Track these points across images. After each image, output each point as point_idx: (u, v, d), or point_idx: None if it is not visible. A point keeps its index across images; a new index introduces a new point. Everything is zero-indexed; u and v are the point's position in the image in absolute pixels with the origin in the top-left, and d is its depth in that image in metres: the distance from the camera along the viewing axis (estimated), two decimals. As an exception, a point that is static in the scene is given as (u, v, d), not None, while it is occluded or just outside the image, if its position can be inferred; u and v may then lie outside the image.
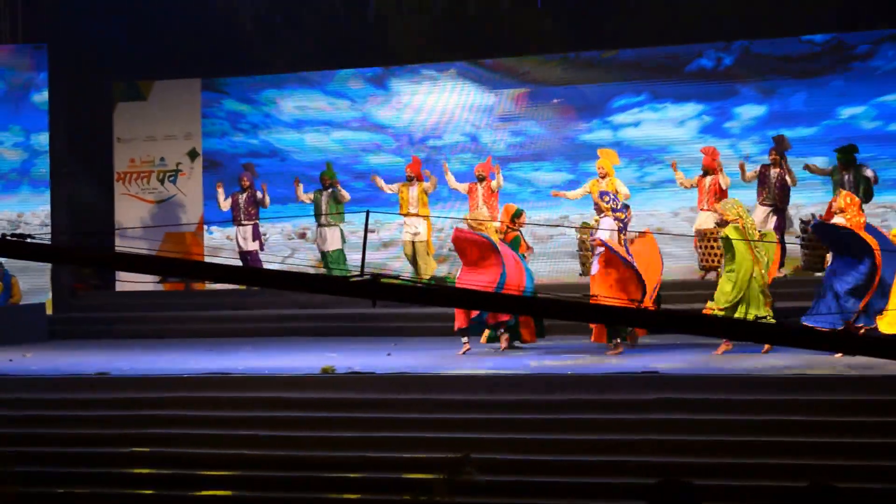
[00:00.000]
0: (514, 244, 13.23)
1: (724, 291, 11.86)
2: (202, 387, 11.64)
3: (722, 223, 12.13)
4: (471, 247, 12.86)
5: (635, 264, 12.20)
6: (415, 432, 10.48)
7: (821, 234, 12.14)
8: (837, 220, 11.84)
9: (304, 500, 9.99)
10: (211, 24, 17.79)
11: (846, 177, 14.97)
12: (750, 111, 17.42)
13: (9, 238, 4.82)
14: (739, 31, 17.33)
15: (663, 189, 17.40)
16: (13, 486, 9.38)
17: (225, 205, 17.08)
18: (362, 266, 4.86)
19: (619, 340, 12.45)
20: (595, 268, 12.45)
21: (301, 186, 16.90)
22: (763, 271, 11.90)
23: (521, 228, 13.64)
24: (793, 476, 9.08)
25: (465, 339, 12.92)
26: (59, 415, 11.60)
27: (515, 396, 10.70)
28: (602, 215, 12.54)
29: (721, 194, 15.32)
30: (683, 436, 9.91)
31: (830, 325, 11.45)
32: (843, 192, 12.30)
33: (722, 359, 11.74)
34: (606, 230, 12.33)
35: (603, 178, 15.47)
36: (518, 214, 13.68)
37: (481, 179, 15.90)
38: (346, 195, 16.75)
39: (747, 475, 9.38)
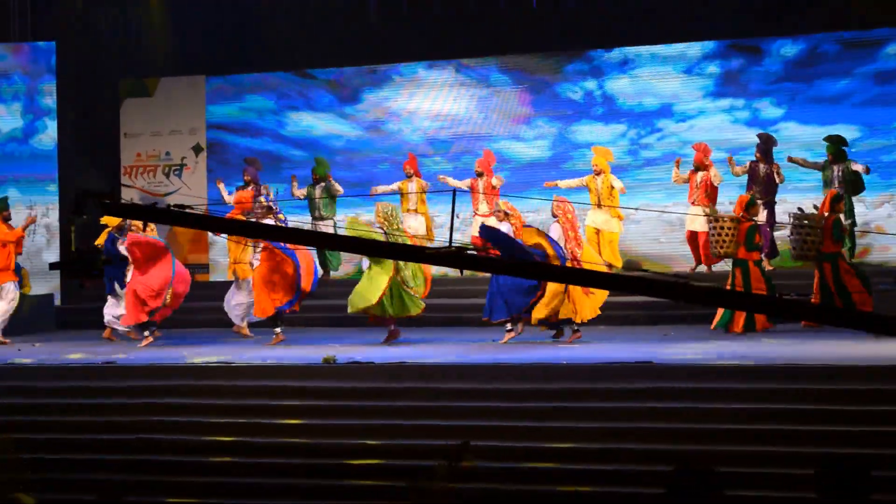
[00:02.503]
0: (750, 234, 12.90)
1: (375, 286, 12.62)
2: (206, 375, 11.57)
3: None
4: (142, 249, 13.37)
5: (299, 266, 13.13)
6: (415, 420, 10.38)
7: (488, 237, 12.46)
8: (504, 225, 12.62)
9: (308, 486, 9.89)
10: (214, 22, 17.72)
11: (836, 171, 14.85)
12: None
13: (173, 208, 5.15)
14: (750, 29, 16.78)
15: (659, 168, 16.91)
16: (22, 473, 9.26)
17: (230, 198, 16.95)
18: (450, 239, 5.26)
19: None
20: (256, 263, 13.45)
21: (297, 184, 16.83)
22: (405, 276, 12.64)
23: (754, 218, 13.31)
24: (790, 464, 9.02)
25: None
26: (66, 403, 11.49)
27: (513, 385, 10.60)
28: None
29: (712, 191, 15.23)
30: (677, 424, 9.80)
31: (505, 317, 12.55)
32: (503, 201, 13.16)
33: (714, 348, 11.63)
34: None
35: (598, 174, 15.36)
36: (752, 203, 13.44)
37: (480, 175, 15.76)
38: (339, 189, 16.61)
39: (745, 462, 9.25)
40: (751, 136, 15.91)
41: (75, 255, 5.32)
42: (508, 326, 12.69)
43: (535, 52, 17.55)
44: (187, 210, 5.42)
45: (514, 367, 10.94)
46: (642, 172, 16.92)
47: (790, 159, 15.27)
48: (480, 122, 17.73)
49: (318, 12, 17.72)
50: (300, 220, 17.67)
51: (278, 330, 13.47)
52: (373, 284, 12.70)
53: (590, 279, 5.68)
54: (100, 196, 5.22)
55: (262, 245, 13.12)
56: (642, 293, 5.22)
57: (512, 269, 5.38)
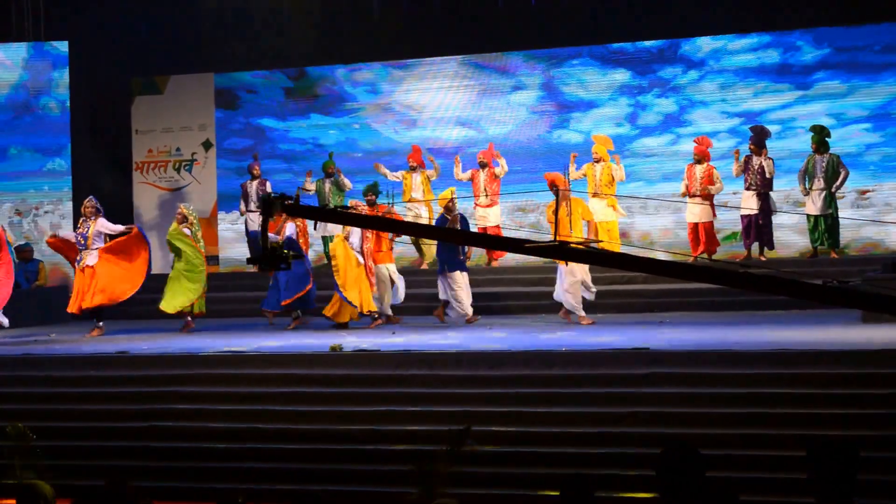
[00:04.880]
0: None
1: (189, 288, 13.99)
2: (217, 364, 11.60)
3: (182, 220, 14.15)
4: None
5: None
6: (419, 406, 10.42)
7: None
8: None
9: (315, 470, 9.94)
10: (222, 20, 17.75)
11: (819, 162, 14.89)
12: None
13: (289, 203, 5.85)
14: (743, 26, 16.54)
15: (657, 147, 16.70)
16: (38, 460, 9.31)
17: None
18: (554, 232, 6.05)
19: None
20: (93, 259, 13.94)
21: (310, 179, 16.83)
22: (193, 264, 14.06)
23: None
24: (783, 446, 9.06)
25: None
26: (80, 391, 11.57)
27: (514, 371, 10.63)
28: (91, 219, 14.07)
29: (711, 182, 15.21)
30: (675, 408, 9.82)
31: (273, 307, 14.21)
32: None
33: (708, 334, 11.66)
34: None
35: (598, 162, 15.35)
36: None
37: (483, 166, 15.78)
38: (348, 183, 16.64)
39: (739, 445, 9.29)
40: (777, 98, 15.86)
41: (269, 251, 5.96)
42: (294, 315, 14.01)
43: (532, 49, 17.54)
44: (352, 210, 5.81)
45: (515, 355, 10.97)
46: (638, 146, 16.65)
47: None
48: (478, 114, 17.74)
49: (322, 11, 17.72)
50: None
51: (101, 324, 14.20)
52: (189, 287, 14.01)
53: (654, 267, 5.72)
54: (282, 198, 5.87)
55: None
56: (702, 281, 5.31)
57: (616, 263, 5.57)
